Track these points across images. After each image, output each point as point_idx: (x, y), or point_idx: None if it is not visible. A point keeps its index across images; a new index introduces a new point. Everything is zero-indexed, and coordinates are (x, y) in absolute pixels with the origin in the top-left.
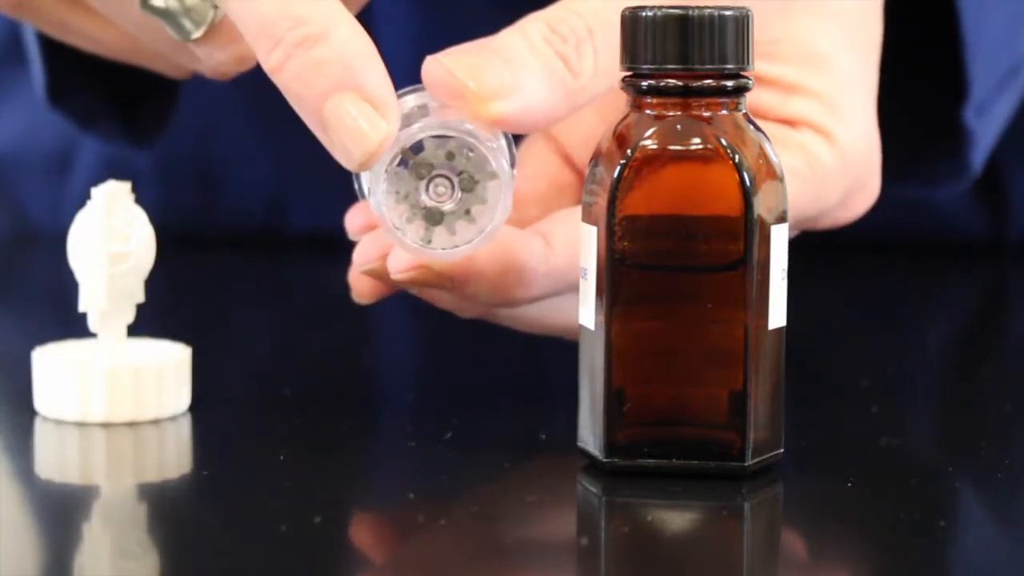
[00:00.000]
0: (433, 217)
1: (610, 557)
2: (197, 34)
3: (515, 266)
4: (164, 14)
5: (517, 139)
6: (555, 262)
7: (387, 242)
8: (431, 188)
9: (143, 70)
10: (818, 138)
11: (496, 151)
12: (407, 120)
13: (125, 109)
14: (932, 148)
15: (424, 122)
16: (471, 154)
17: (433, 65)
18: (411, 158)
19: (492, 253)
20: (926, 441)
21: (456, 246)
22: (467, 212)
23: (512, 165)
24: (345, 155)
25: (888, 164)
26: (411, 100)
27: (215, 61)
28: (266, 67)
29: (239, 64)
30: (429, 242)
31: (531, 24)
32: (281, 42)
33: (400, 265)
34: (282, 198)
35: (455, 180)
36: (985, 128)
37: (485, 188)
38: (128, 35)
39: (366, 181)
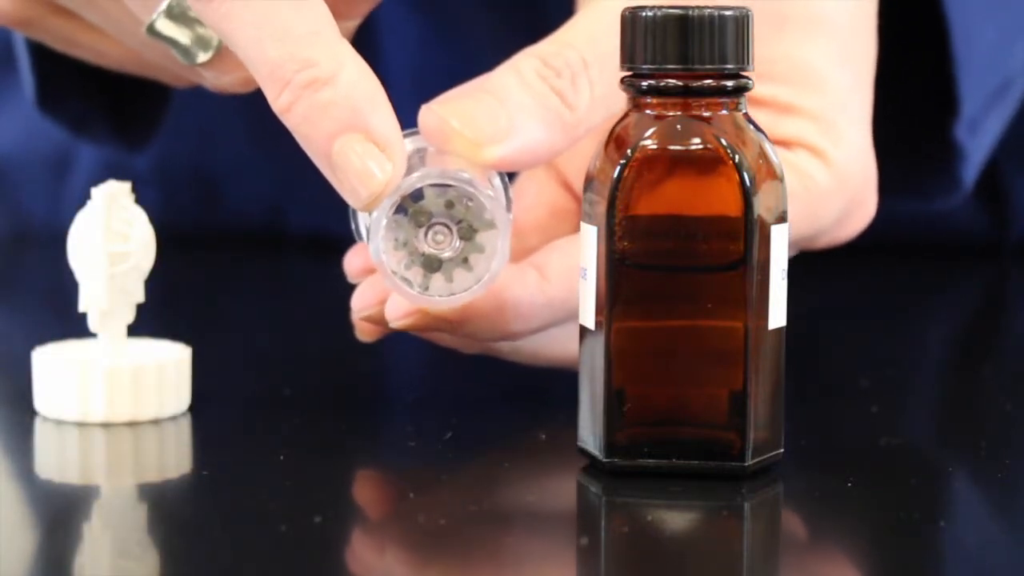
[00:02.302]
0: (431, 265)
1: (610, 557)
2: (203, 59)
3: (511, 302)
4: (170, 40)
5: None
6: (551, 292)
7: (384, 287)
8: (430, 236)
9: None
10: (812, 158)
11: (495, 200)
12: (407, 166)
13: (116, 112)
14: (924, 164)
15: (424, 171)
16: (470, 203)
17: (427, 114)
18: (410, 206)
19: (487, 292)
20: (926, 441)
21: (453, 294)
22: (465, 260)
23: (508, 209)
24: (353, 195)
25: (881, 179)
26: (408, 144)
27: (221, 83)
28: (275, 108)
29: (244, 86)
30: (427, 289)
31: (524, 60)
32: (290, 84)
33: (397, 313)
34: (281, 200)
35: (454, 228)
36: (977, 144)
37: (483, 237)
38: (133, 50)
39: (363, 224)
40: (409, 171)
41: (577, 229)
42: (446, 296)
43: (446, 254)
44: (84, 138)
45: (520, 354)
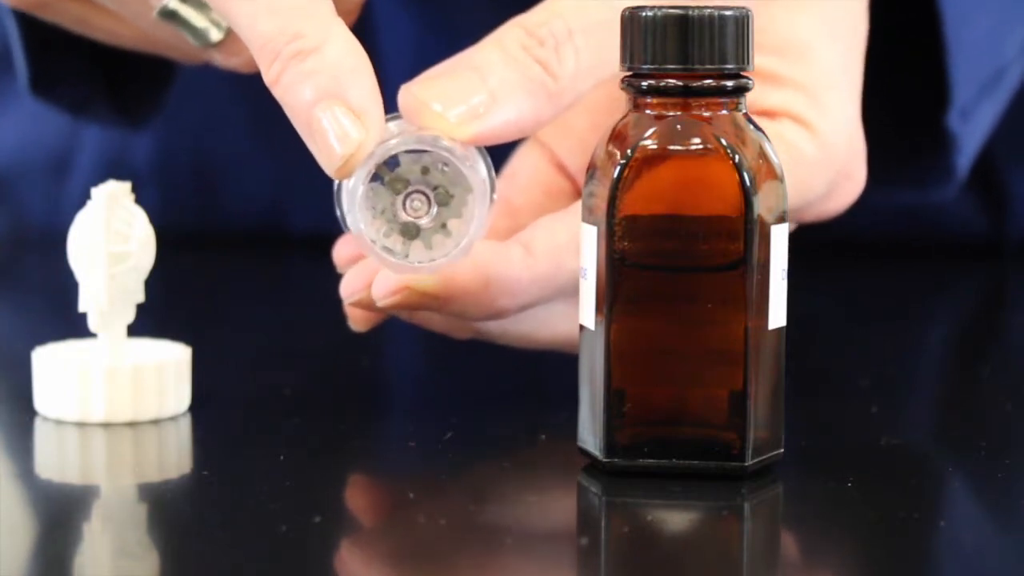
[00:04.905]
0: (410, 232)
1: (610, 557)
2: (214, 40)
3: (497, 277)
4: (182, 22)
5: (509, 147)
6: (538, 269)
7: (371, 272)
8: (407, 203)
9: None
10: (798, 129)
11: (471, 167)
12: (385, 139)
13: (117, 91)
14: (917, 153)
15: (400, 138)
16: (446, 168)
17: (406, 95)
18: (386, 174)
19: (472, 268)
20: (926, 441)
21: (433, 259)
22: (443, 226)
23: (492, 188)
24: (327, 160)
25: (875, 169)
26: (392, 127)
27: (230, 64)
28: (267, 81)
29: (252, 67)
30: (407, 256)
31: (508, 31)
32: (279, 56)
33: (383, 291)
34: (282, 198)
35: (431, 195)
36: (970, 133)
37: (461, 202)
38: (146, 32)
39: (346, 202)
40: (387, 141)
41: (568, 208)
42: (427, 262)
43: (424, 221)
44: (84, 120)
45: (508, 336)
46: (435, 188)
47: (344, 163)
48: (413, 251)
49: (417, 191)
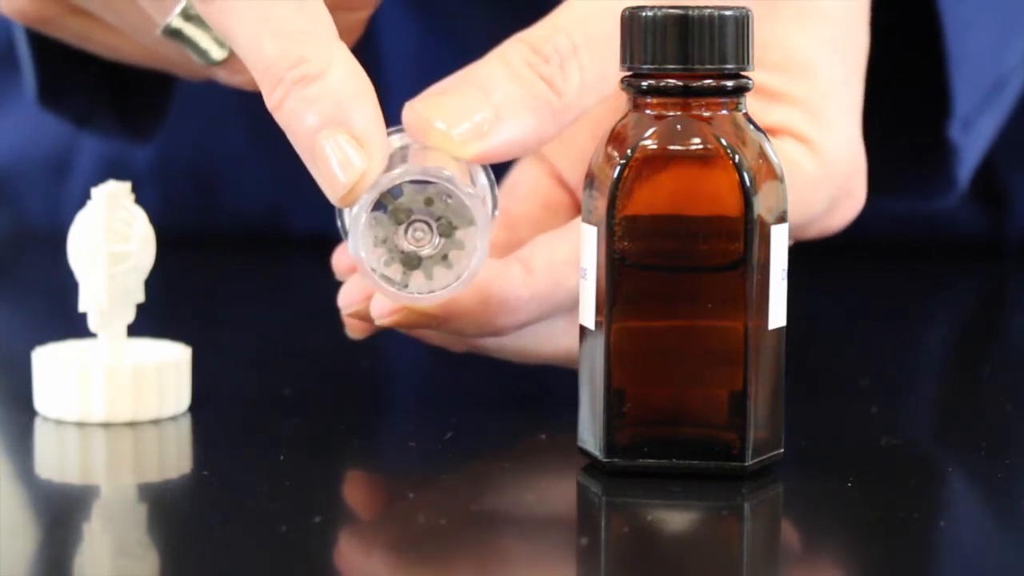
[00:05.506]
0: (411, 262)
1: (610, 557)
2: (217, 59)
3: (496, 296)
4: (186, 40)
5: (509, 160)
6: (537, 287)
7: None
8: (409, 233)
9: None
10: (799, 146)
11: (475, 197)
12: (389, 163)
13: (120, 104)
14: (919, 163)
15: (404, 167)
16: (450, 200)
17: (410, 113)
18: (390, 203)
19: (472, 287)
20: (926, 441)
21: (433, 291)
22: (444, 257)
23: (494, 206)
24: (330, 188)
25: (877, 179)
26: (395, 141)
27: (234, 82)
28: (269, 106)
29: (255, 86)
30: (406, 286)
31: (513, 47)
32: (282, 81)
33: (382, 310)
34: (281, 200)
35: (433, 225)
36: (971, 143)
37: (463, 234)
38: (148, 48)
39: (348, 224)
40: (392, 168)
41: (568, 222)
42: (426, 293)
43: (425, 251)
44: (88, 131)
45: (507, 351)
46: (438, 219)
47: (348, 191)
48: (413, 281)
49: (419, 221)
